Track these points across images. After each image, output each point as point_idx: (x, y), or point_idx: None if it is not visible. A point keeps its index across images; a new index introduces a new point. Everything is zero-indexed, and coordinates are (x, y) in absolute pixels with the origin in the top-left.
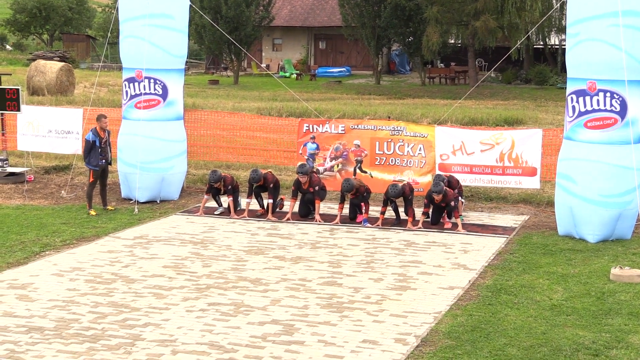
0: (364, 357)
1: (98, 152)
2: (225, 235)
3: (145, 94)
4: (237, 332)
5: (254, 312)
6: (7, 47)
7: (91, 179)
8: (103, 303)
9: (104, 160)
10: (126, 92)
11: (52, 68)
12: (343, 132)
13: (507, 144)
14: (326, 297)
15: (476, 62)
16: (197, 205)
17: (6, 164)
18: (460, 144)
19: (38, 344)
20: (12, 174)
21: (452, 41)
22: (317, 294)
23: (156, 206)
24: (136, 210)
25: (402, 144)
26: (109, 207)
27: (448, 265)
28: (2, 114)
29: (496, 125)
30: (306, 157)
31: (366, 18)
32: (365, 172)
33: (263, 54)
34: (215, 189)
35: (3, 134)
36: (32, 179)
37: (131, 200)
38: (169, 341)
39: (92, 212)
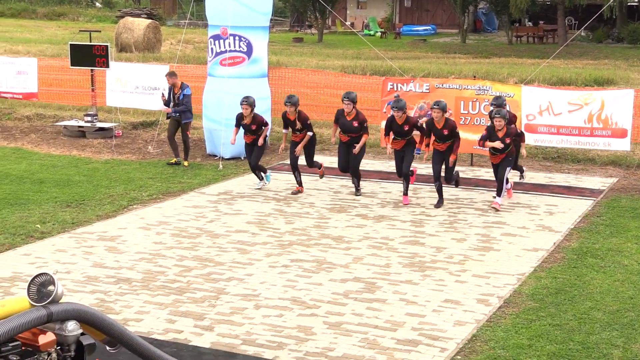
0: (445, 317)
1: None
2: (307, 192)
3: (230, 51)
4: (319, 289)
5: (336, 270)
6: (97, 4)
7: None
8: (188, 257)
9: (174, 113)
10: (211, 49)
11: (139, 25)
12: (427, 91)
13: (596, 104)
14: (408, 256)
15: (566, 21)
16: (281, 162)
17: (95, 119)
18: (547, 105)
19: (126, 295)
20: (101, 129)
21: None
22: (399, 253)
23: (240, 162)
24: (221, 166)
25: (487, 103)
26: (181, 161)
27: (532, 227)
28: (91, 70)
29: (585, 85)
30: (390, 115)
31: None
32: None
33: (347, 12)
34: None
35: (92, 90)
36: (121, 134)
37: (216, 156)
38: (252, 295)
39: (186, 163)
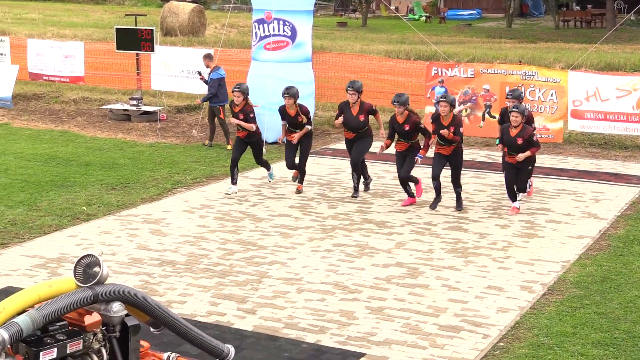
0: (488, 303)
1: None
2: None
3: (274, 35)
4: (362, 274)
5: (379, 255)
6: None
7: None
8: (231, 240)
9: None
10: (255, 33)
11: (184, 9)
12: (472, 76)
13: None
14: (451, 242)
15: (615, 4)
16: (324, 147)
17: (141, 102)
18: (594, 90)
19: (170, 277)
20: (146, 112)
21: None
22: (442, 239)
23: (283, 147)
24: (264, 150)
25: (533, 89)
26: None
27: (578, 214)
28: (137, 54)
29: (634, 70)
30: (434, 101)
31: None
32: (494, 117)
33: None
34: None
35: (138, 74)
36: (165, 117)
37: None
38: (294, 279)
39: (228, 147)
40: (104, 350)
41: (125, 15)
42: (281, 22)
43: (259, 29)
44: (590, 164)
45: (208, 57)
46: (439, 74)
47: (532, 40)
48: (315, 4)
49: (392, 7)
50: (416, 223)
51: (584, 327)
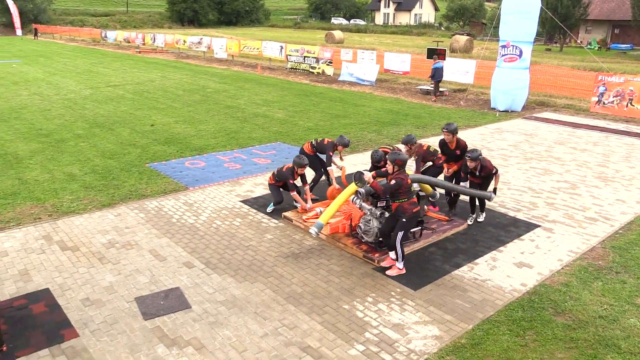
0: (615, 208)
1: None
2: (548, 130)
3: (510, 54)
4: (543, 185)
5: (554, 175)
6: (442, 28)
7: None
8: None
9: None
10: (500, 52)
11: (462, 39)
12: (622, 81)
13: None
14: (597, 173)
15: None
16: (532, 115)
17: (432, 85)
18: None
19: None
20: (441, 91)
21: None
22: (593, 171)
23: (508, 114)
24: (497, 114)
25: None
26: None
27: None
28: (433, 58)
29: None
30: (598, 94)
31: None
32: (634, 105)
33: (579, 34)
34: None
35: (430, 77)
36: (448, 94)
37: (494, 108)
38: (504, 182)
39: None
40: None
41: (432, 41)
42: (514, 47)
43: (502, 50)
44: None
45: (434, 59)
46: (603, 80)
47: None
48: (535, 37)
49: (579, 41)
50: (582, 160)
51: None
